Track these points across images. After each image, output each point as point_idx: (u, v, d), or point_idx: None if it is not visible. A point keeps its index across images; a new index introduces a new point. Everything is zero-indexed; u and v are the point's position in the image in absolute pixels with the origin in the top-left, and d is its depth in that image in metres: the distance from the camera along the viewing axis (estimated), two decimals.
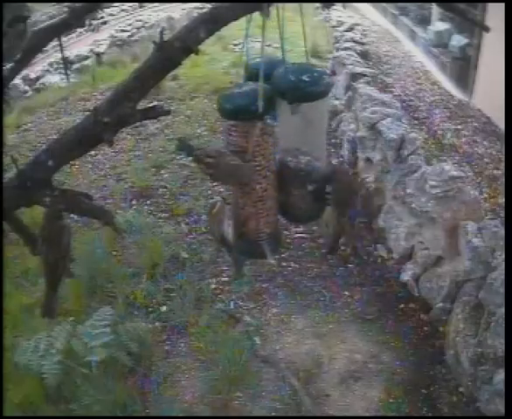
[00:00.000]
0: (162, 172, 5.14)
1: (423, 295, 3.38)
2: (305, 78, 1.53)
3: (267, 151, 1.55)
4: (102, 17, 9.62)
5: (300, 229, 4.02)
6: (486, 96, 4.96)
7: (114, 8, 10.60)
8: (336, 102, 5.50)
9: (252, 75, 1.58)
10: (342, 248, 3.85)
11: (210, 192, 4.58)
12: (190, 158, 1.55)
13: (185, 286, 3.60)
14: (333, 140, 5.17)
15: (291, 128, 1.61)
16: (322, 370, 3.02)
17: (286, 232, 3.94)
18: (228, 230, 1.55)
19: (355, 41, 6.72)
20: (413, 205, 3.45)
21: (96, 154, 5.47)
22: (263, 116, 1.48)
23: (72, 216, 2.20)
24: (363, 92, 4.70)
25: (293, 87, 1.52)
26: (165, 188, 4.87)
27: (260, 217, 1.59)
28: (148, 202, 4.69)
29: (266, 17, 1.34)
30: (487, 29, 1.49)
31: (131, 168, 5.24)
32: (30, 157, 1.40)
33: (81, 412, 2.70)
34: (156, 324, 3.37)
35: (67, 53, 8.14)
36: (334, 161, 4.71)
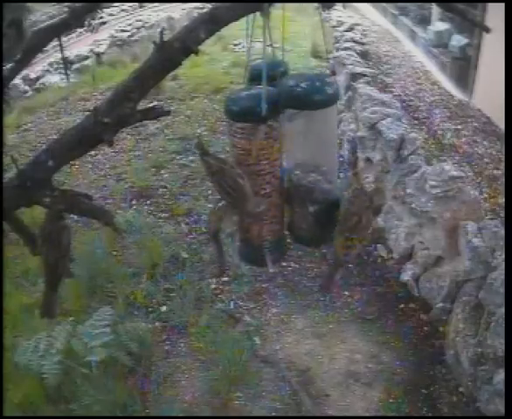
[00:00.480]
0: (162, 172, 5.13)
1: (423, 295, 3.38)
2: (303, 85, 1.46)
3: (272, 156, 1.50)
4: (101, 18, 9.61)
5: None
6: (486, 96, 4.96)
7: (114, 8, 10.59)
8: None
9: (253, 76, 1.56)
10: None
11: (210, 192, 4.58)
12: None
13: (185, 286, 3.60)
14: None
15: (292, 137, 1.55)
16: (322, 370, 3.02)
17: (286, 232, 3.94)
18: (227, 224, 1.53)
19: (355, 41, 6.71)
20: (413, 205, 3.44)
21: (96, 154, 5.47)
22: (267, 119, 1.44)
23: (72, 216, 2.20)
24: (363, 92, 4.70)
25: (289, 93, 1.47)
26: (165, 188, 4.87)
27: (263, 224, 1.56)
28: (148, 202, 4.68)
29: (267, 17, 1.34)
30: (487, 29, 1.48)
31: (131, 168, 5.23)
32: (30, 157, 1.40)
33: (81, 412, 2.70)
34: (156, 324, 3.37)
35: (67, 53, 8.12)
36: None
